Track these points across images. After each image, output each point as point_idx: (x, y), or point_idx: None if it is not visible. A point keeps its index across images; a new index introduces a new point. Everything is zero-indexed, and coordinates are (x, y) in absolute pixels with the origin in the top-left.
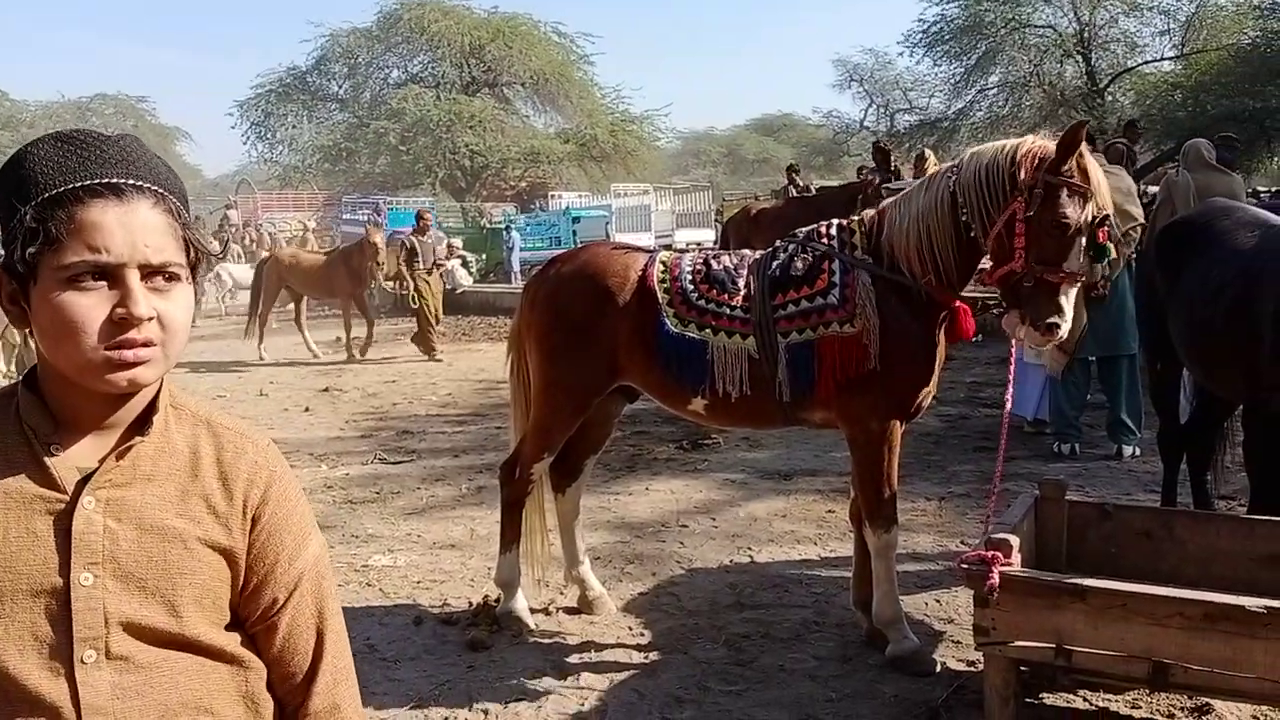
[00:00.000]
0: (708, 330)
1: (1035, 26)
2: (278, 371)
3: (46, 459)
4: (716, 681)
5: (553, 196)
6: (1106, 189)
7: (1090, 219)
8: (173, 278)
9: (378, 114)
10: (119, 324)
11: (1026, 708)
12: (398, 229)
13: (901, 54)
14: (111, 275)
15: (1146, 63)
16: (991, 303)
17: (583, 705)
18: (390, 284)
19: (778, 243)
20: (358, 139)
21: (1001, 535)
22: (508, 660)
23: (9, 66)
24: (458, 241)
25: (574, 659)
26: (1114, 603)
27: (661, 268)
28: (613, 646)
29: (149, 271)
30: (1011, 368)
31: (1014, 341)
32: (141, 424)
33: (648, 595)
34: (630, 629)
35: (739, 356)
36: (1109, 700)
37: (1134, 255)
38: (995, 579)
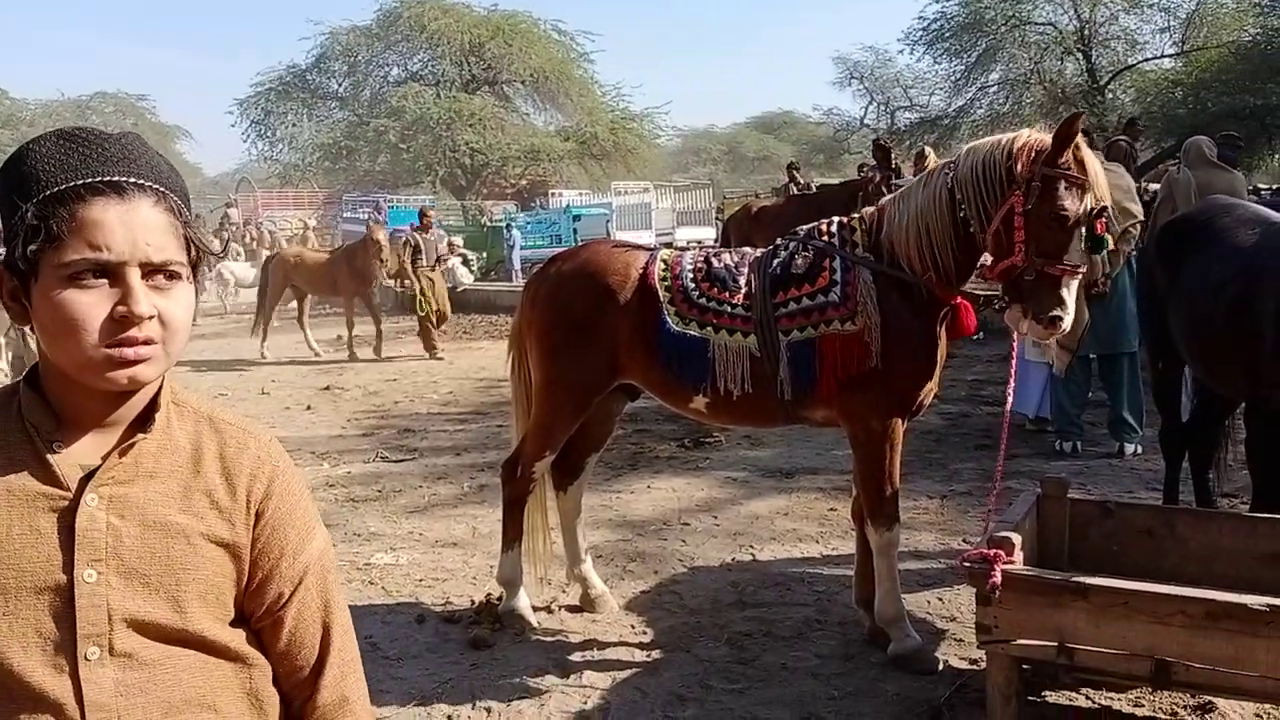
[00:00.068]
0: (709, 328)
1: (1035, 24)
2: (279, 370)
3: (49, 456)
4: (719, 679)
5: (553, 194)
6: (1104, 180)
7: (1089, 210)
8: (174, 276)
9: (378, 112)
10: (120, 322)
11: (1029, 706)
12: (398, 227)
13: (902, 51)
14: (112, 273)
15: (1147, 60)
16: (993, 298)
17: (585, 703)
18: (393, 281)
19: (779, 240)
20: (358, 137)
21: (1003, 533)
22: (510, 658)
23: (9, 65)
24: (458, 239)
25: (576, 657)
26: (1116, 601)
27: (662, 266)
28: (615, 645)
29: (150, 270)
30: (1013, 365)
31: (1015, 339)
32: (144, 421)
33: (650, 593)
34: (632, 627)
35: (740, 354)
36: (1111, 699)
37: (1134, 253)
38: (997, 577)
